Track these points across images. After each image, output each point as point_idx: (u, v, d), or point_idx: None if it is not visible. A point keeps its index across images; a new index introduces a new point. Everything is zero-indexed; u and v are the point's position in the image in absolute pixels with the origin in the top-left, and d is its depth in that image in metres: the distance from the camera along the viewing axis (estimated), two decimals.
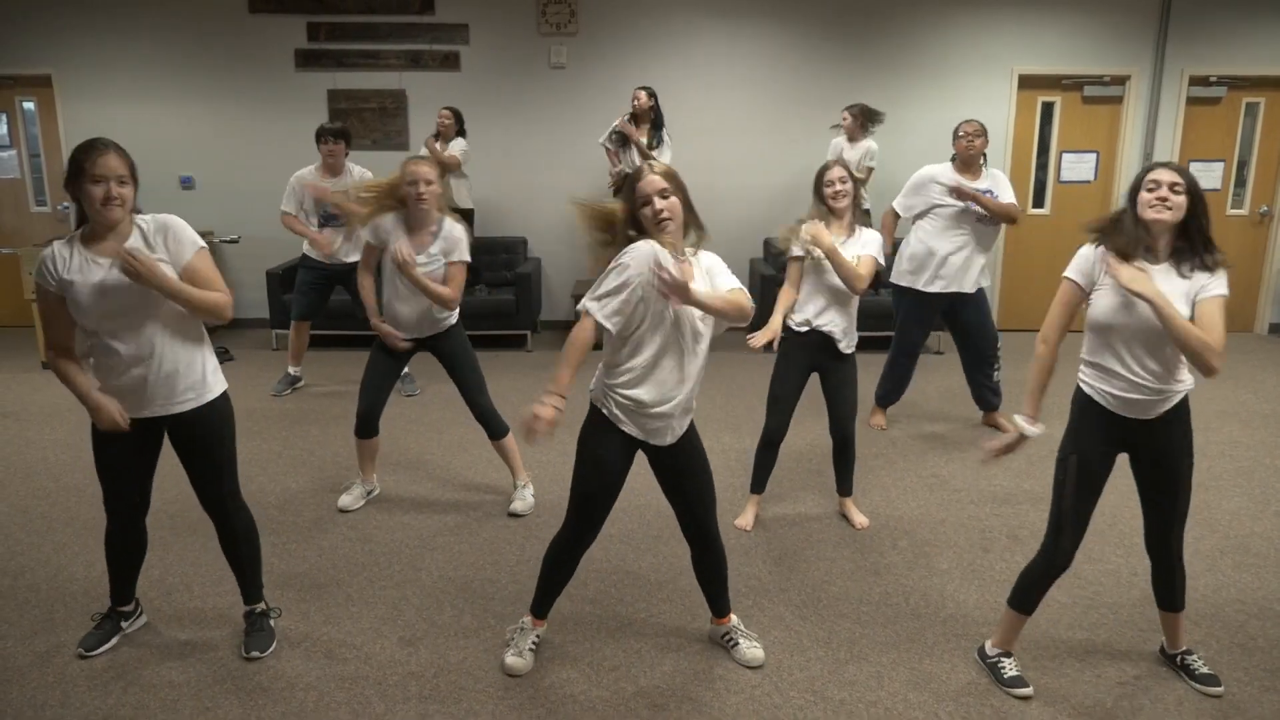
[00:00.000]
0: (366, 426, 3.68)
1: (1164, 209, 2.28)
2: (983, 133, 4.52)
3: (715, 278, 2.46)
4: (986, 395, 4.87)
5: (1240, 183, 7.43)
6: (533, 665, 2.63)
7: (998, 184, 4.57)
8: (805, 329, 3.43)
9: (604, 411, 2.46)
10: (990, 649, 2.65)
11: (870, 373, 4.49)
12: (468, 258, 3.55)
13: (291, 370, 5.59)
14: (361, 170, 5.27)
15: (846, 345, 3.45)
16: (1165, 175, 2.30)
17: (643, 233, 2.36)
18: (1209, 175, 7.33)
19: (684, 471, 2.56)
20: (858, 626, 2.89)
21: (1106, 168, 7.44)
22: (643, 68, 7.05)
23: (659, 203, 2.30)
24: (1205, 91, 7.20)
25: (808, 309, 3.43)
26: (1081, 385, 2.52)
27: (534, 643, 2.67)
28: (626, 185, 2.37)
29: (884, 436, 4.75)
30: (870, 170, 6.41)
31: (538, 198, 7.18)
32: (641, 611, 2.97)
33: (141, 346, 2.40)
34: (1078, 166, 7.45)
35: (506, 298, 6.66)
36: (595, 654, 2.74)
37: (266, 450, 4.48)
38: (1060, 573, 2.50)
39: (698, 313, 2.37)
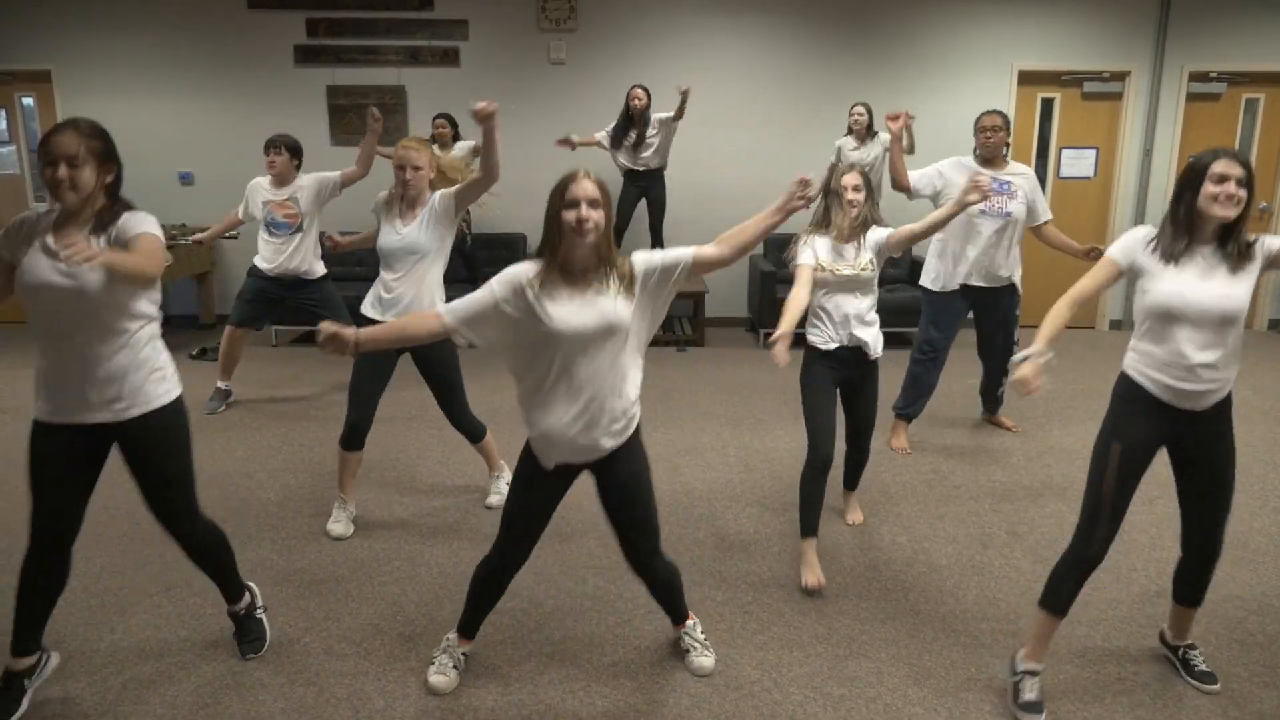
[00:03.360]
0: (356, 438, 3.48)
1: (1232, 206, 2.20)
2: (1004, 126, 4.34)
3: (647, 265, 2.29)
4: (991, 399, 4.84)
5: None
6: (457, 683, 2.53)
7: (1027, 181, 4.44)
8: (833, 346, 3.18)
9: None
10: (1020, 662, 2.47)
11: (896, 374, 4.40)
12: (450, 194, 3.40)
13: (221, 384, 5.17)
14: (310, 177, 4.97)
15: (876, 350, 3.23)
16: (1234, 169, 2.21)
17: (553, 240, 2.22)
18: None
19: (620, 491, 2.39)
20: (857, 623, 2.90)
21: (1106, 164, 7.43)
22: (642, 63, 7.05)
23: (585, 210, 2.15)
24: (1205, 88, 7.20)
25: (833, 325, 3.17)
26: (1130, 373, 2.42)
27: (462, 658, 2.57)
28: (557, 183, 2.21)
29: (883, 435, 4.73)
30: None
31: (537, 194, 7.03)
32: (641, 607, 2.97)
33: (77, 349, 2.22)
34: (1077, 163, 7.45)
35: None
36: (594, 651, 2.74)
37: (265, 447, 4.48)
38: (1094, 566, 2.39)
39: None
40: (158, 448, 2.35)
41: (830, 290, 3.17)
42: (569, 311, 2.18)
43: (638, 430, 2.38)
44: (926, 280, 4.61)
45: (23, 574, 2.35)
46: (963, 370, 5.31)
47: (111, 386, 2.25)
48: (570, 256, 2.21)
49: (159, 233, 2.27)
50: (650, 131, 6.44)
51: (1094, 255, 4.17)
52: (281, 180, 4.95)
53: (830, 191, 3.18)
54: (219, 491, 3.88)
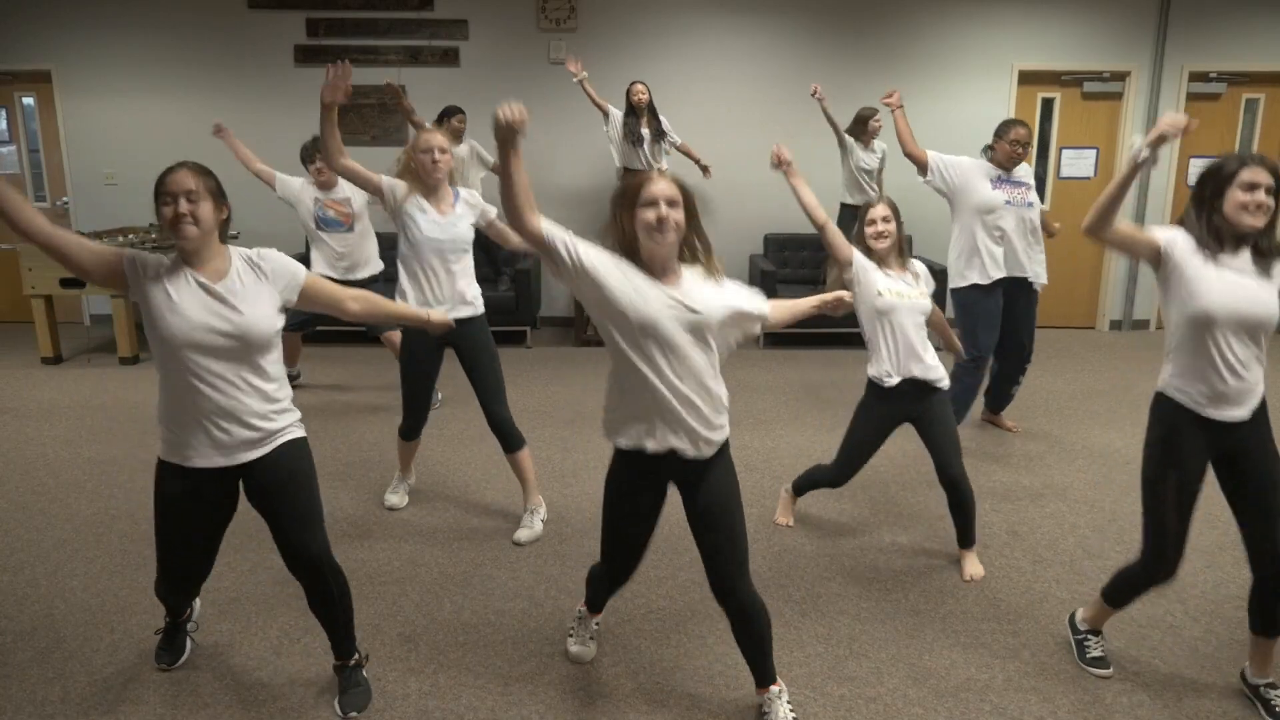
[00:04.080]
0: (412, 433, 3.68)
1: (1262, 215, 2.17)
2: (1029, 141, 4.35)
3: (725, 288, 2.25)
4: (999, 399, 4.80)
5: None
6: (594, 653, 2.69)
7: (1030, 180, 4.48)
8: (897, 381, 3.06)
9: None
10: (1080, 622, 2.66)
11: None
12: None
13: (288, 369, 5.52)
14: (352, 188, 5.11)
15: (942, 380, 3.10)
16: (1263, 176, 2.16)
17: (629, 240, 2.12)
18: None
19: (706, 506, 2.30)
20: (857, 623, 2.90)
21: (1106, 164, 7.43)
22: (642, 63, 7.05)
23: (665, 209, 2.05)
24: (1205, 87, 7.20)
25: (896, 359, 3.04)
26: (1168, 394, 2.36)
27: (594, 631, 2.71)
28: (624, 185, 2.14)
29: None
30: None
31: (537, 194, 7.06)
32: (640, 607, 2.98)
33: (223, 390, 2.19)
34: (1077, 163, 7.45)
35: (506, 294, 6.66)
36: (591, 657, 2.74)
37: None
38: (1166, 582, 2.43)
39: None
40: (300, 478, 2.33)
41: (895, 316, 3.03)
42: (667, 306, 2.08)
43: (727, 444, 2.32)
44: (963, 281, 4.45)
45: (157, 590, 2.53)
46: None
47: (255, 422, 2.25)
48: (650, 257, 2.11)
49: (305, 269, 2.39)
50: (668, 129, 6.45)
51: (1052, 232, 4.53)
52: (327, 186, 5.04)
53: (859, 230, 3.12)
54: None
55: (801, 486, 3.55)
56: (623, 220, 2.12)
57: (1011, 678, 2.60)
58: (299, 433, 2.37)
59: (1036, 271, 4.47)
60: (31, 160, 7.50)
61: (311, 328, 5.42)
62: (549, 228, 2.09)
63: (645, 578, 3.16)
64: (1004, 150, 4.37)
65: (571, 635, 2.72)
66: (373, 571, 3.21)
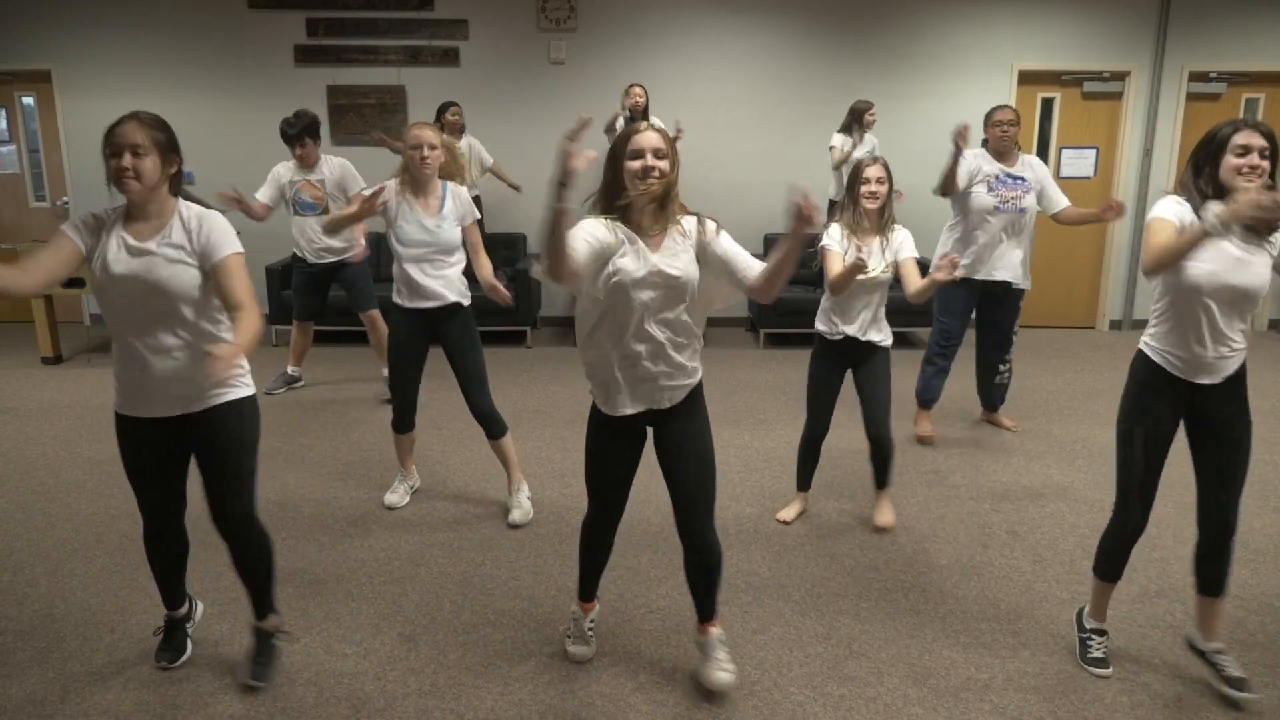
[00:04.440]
0: (403, 422, 3.67)
1: (1256, 178, 2.17)
2: (1017, 120, 4.40)
3: (716, 245, 2.32)
4: (991, 393, 4.86)
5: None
6: (594, 651, 2.68)
7: (1035, 172, 4.45)
8: (840, 338, 3.34)
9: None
10: (1087, 620, 2.68)
11: (900, 370, 4.39)
12: (480, 215, 3.58)
13: (290, 370, 5.53)
14: (340, 160, 5.16)
15: (883, 340, 3.37)
16: (1257, 139, 2.18)
17: (615, 193, 2.21)
18: None
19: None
20: (857, 623, 2.89)
21: (1106, 164, 7.43)
22: (642, 63, 7.05)
23: (651, 160, 2.15)
24: (1205, 87, 7.20)
25: (845, 320, 3.31)
26: (1146, 351, 2.43)
27: (590, 626, 2.69)
28: (617, 139, 2.22)
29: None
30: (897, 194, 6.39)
31: (537, 194, 7.16)
32: (640, 606, 2.97)
33: (150, 344, 2.24)
34: (1078, 162, 7.45)
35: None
36: (591, 656, 2.74)
37: (265, 447, 4.43)
38: (1137, 537, 2.50)
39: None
40: (227, 442, 2.36)
41: (850, 291, 3.22)
42: (633, 262, 2.19)
43: (700, 390, 2.42)
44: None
45: (145, 546, 2.55)
46: (963, 370, 5.30)
47: (182, 383, 2.28)
48: (631, 211, 2.21)
49: (240, 246, 2.31)
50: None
51: (1115, 209, 4.14)
52: (308, 163, 5.06)
53: (852, 185, 3.25)
54: None
55: (800, 470, 3.64)
56: (615, 170, 2.21)
57: (1011, 678, 2.60)
58: (240, 392, 2.38)
59: (1018, 274, 4.50)
60: (31, 160, 7.50)
61: (316, 316, 5.48)
62: (582, 264, 2.13)
63: (645, 577, 3.16)
64: (993, 135, 4.42)
65: (569, 636, 2.71)
66: (373, 571, 3.21)
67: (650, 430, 2.42)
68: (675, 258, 2.24)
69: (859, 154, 6.43)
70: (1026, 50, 7.16)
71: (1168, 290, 2.35)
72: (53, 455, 4.37)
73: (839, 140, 6.45)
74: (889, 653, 2.73)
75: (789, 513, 3.63)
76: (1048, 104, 7.35)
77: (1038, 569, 3.26)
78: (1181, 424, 2.46)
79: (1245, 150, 2.18)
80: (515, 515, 3.60)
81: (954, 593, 3.10)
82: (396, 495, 3.79)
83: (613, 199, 2.22)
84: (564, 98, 7.14)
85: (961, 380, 5.28)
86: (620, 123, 6.36)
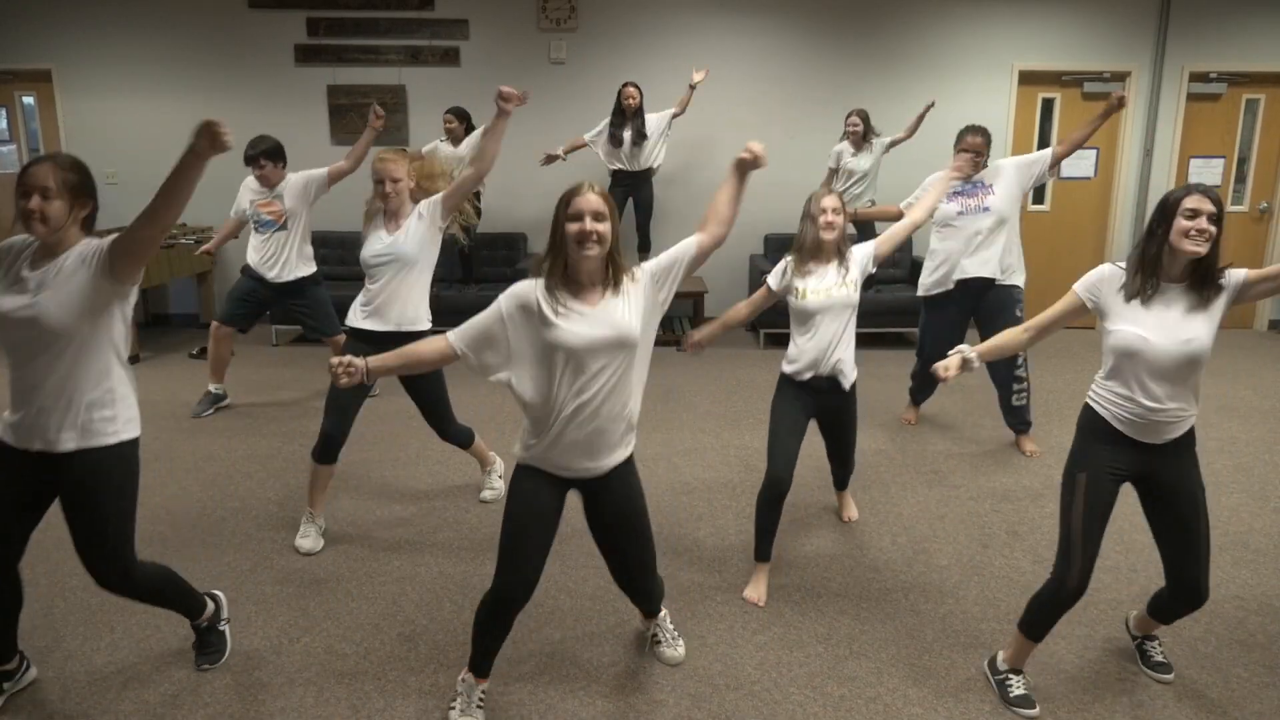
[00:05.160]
0: (329, 450, 3.34)
1: (1202, 241, 2.20)
2: (985, 149, 4.28)
3: (654, 270, 2.31)
4: (1009, 414, 4.60)
5: (1240, 179, 7.44)
6: None
7: (1000, 174, 4.37)
8: (808, 376, 3.11)
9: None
10: (1000, 663, 2.56)
11: (892, 370, 4.45)
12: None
13: (213, 388, 5.08)
14: (296, 176, 4.90)
15: (850, 378, 3.16)
16: (1205, 204, 2.21)
17: (558, 251, 2.20)
18: (1209, 172, 7.34)
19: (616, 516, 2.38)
20: (857, 623, 2.90)
21: (1106, 164, 7.43)
22: (642, 63, 7.05)
23: (590, 223, 2.13)
24: (1205, 88, 7.20)
25: (807, 356, 3.10)
26: (1092, 404, 2.43)
27: (480, 699, 2.40)
28: (560, 198, 2.20)
29: (883, 433, 4.75)
30: (894, 142, 6.36)
31: (537, 194, 7.17)
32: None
33: (38, 375, 2.17)
34: (1078, 163, 7.44)
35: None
36: (594, 651, 2.74)
37: (265, 447, 4.48)
38: (1073, 602, 2.36)
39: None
40: (98, 487, 2.23)
41: (811, 315, 3.10)
42: (578, 324, 2.16)
43: (632, 454, 2.36)
44: (924, 291, 4.63)
45: None
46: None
47: (73, 416, 2.20)
48: (576, 268, 2.19)
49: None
50: (649, 132, 6.42)
51: (1117, 100, 4.25)
52: (269, 184, 4.90)
53: (808, 215, 3.14)
54: (219, 491, 3.88)
55: (759, 536, 3.10)
56: (557, 229, 2.20)
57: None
58: (116, 438, 2.25)
59: (995, 269, 4.38)
60: (31, 160, 7.49)
61: (241, 326, 5.10)
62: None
63: None
64: (958, 161, 4.15)
65: (453, 706, 2.40)
66: (373, 571, 3.21)
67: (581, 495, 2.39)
68: (612, 312, 2.20)
69: (864, 165, 6.35)
70: (1026, 50, 7.16)
71: (1109, 352, 2.36)
72: None
73: (834, 153, 6.44)
74: (889, 653, 2.73)
75: (758, 592, 3.06)
76: (1048, 104, 7.34)
77: (1038, 569, 3.26)
78: (1135, 489, 2.44)
79: (1194, 214, 2.22)
80: (486, 494, 3.87)
81: (954, 593, 3.10)
82: (309, 540, 3.37)
83: (555, 259, 2.21)
84: (564, 98, 7.14)
85: (962, 379, 5.28)
86: (561, 150, 6.38)
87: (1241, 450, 4.51)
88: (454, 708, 2.39)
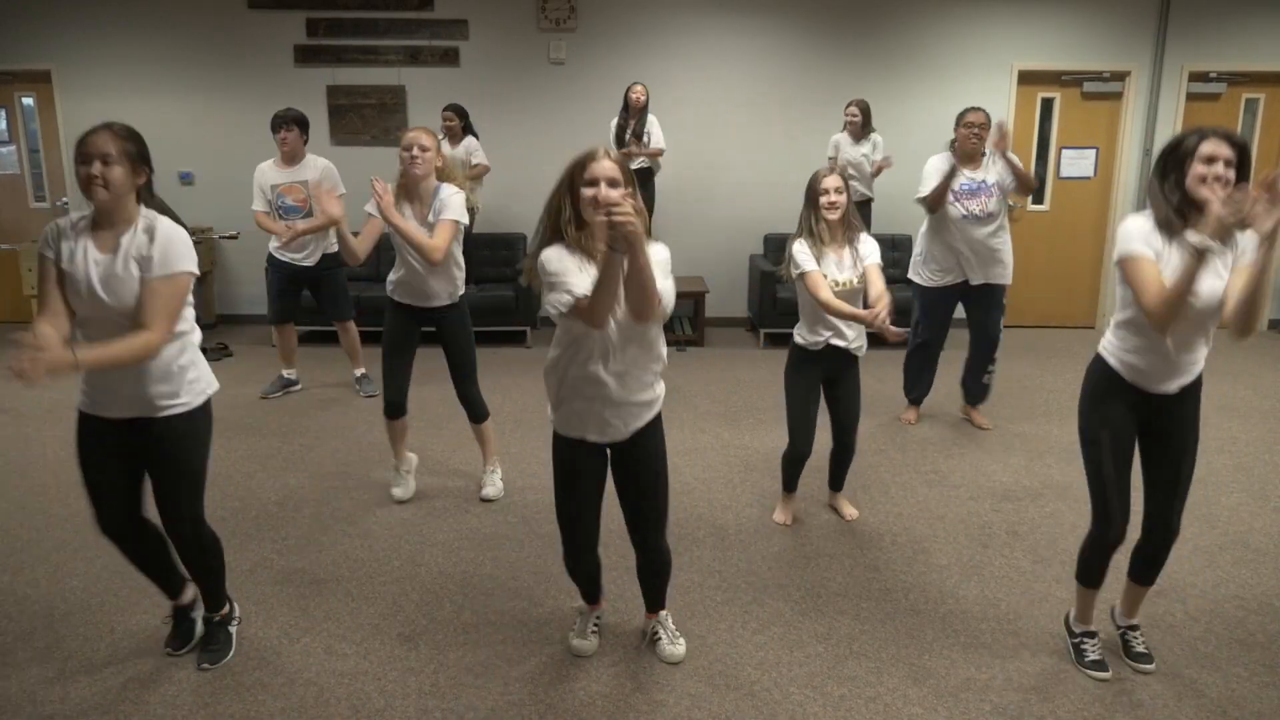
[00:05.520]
0: (394, 408, 3.71)
1: (1220, 188, 2.13)
2: (987, 125, 4.39)
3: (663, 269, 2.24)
4: (972, 389, 4.90)
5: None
6: (597, 647, 2.71)
7: (999, 171, 4.45)
8: (820, 347, 3.30)
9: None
10: (1075, 625, 2.68)
11: (891, 371, 4.47)
12: (457, 216, 3.46)
13: (285, 374, 5.47)
14: (325, 162, 5.06)
15: (859, 350, 3.35)
16: (1223, 149, 2.14)
17: (559, 217, 2.21)
18: None
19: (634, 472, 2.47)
20: (857, 623, 2.89)
21: (1106, 164, 7.43)
22: (641, 63, 7.05)
23: (604, 189, 2.12)
24: (1205, 87, 7.20)
25: (822, 328, 3.27)
26: (1104, 356, 2.45)
27: (595, 625, 2.75)
28: (573, 162, 2.20)
29: (883, 433, 4.75)
30: (886, 160, 6.40)
31: (537, 194, 7.08)
32: (641, 606, 2.97)
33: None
34: (1078, 162, 7.45)
35: (506, 294, 6.66)
36: (594, 650, 2.74)
37: (265, 447, 4.48)
38: (1117, 545, 2.49)
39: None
40: (181, 449, 2.41)
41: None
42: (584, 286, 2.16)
43: (659, 415, 2.46)
44: (916, 276, 4.74)
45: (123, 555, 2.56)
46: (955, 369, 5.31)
47: (154, 384, 2.33)
48: (590, 235, 2.18)
49: (189, 266, 2.30)
50: (648, 132, 6.42)
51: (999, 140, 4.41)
52: (291, 158, 4.98)
53: (810, 196, 3.20)
54: (219, 491, 3.88)
55: (785, 480, 3.60)
56: (570, 192, 2.19)
57: (1011, 678, 2.60)
58: (194, 401, 2.42)
59: (997, 274, 4.57)
60: (31, 160, 7.50)
61: (293, 317, 5.41)
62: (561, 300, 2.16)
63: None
64: (962, 137, 4.42)
65: (573, 630, 2.76)
66: (373, 571, 3.21)
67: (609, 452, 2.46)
68: None
69: (862, 154, 6.44)
70: (1026, 50, 7.16)
71: (1129, 304, 2.33)
72: (52, 456, 4.37)
73: (833, 142, 6.51)
74: (889, 653, 2.73)
75: (785, 515, 3.62)
76: (1048, 104, 7.34)
77: (1038, 569, 3.26)
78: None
79: (1211, 160, 2.15)
80: (489, 491, 3.82)
81: (954, 593, 3.10)
82: (401, 488, 3.84)
83: (566, 223, 2.20)
84: (564, 98, 7.14)
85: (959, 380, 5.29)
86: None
87: (1241, 450, 4.51)
88: (573, 630, 2.72)
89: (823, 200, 3.17)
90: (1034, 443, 4.63)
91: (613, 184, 2.14)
